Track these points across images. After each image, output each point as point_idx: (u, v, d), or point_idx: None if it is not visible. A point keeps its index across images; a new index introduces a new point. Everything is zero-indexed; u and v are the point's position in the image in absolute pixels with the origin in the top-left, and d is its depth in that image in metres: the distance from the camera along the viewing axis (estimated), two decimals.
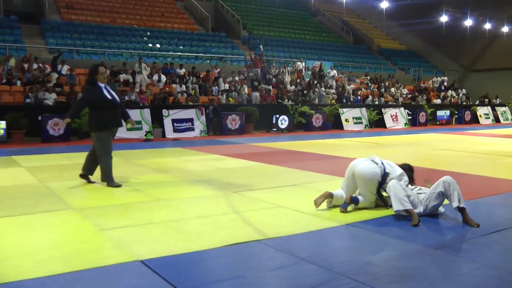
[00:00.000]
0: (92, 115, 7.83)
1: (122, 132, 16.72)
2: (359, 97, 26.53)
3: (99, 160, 7.91)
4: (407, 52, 42.31)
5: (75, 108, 8.09)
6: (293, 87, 24.96)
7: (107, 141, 7.82)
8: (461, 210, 5.49)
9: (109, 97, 7.82)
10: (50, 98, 17.94)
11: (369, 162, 6.17)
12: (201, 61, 27.89)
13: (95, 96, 7.74)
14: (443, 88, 33.43)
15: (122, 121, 8.32)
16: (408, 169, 6.29)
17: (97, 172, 8.05)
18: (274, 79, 25.30)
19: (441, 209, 5.88)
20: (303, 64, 28.03)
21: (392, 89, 29.51)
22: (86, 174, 8.16)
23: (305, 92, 24.40)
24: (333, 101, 25.09)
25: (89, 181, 8.13)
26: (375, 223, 5.61)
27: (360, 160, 6.32)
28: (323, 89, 24.95)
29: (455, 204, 5.47)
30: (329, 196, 6.28)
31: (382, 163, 6.10)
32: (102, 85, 7.85)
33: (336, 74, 28.58)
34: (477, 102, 32.07)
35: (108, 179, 7.88)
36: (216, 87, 22.74)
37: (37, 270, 3.99)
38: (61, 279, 3.83)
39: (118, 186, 7.80)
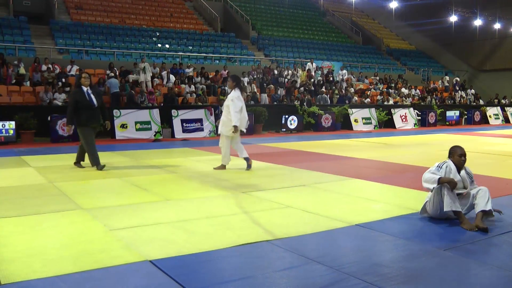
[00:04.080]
0: (76, 114, 9.47)
1: (131, 133, 16.81)
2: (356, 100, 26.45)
3: (86, 150, 9.62)
4: (416, 52, 42.17)
5: (68, 113, 9.55)
6: (302, 88, 24.98)
7: (87, 134, 9.46)
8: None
9: (88, 99, 9.46)
10: (60, 99, 18.02)
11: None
12: (210, 61, 27.91)
13: (79, 98, 9.42)
14: (457, 88, 33.28)
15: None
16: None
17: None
18: (286, 80, 25.36)
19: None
20: (313, 65, 28.04)
21: (403, 90, 29.42)
22: (78, 161, 9.93)
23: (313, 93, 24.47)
24: None
25: (81, 166, 9.82)
26: (383, 223, 5.59)
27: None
28: (325, 96, 24.84)
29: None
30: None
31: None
32: (85, 89, 9.50)
33: (346, 75, 28.61)
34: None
35: (95, 164, 9.54)
36: (226, 87, 22.74)
37: (46, 270, 4.00)
38: (70, 279, 3.84)
39: (103, 167, 9.49)
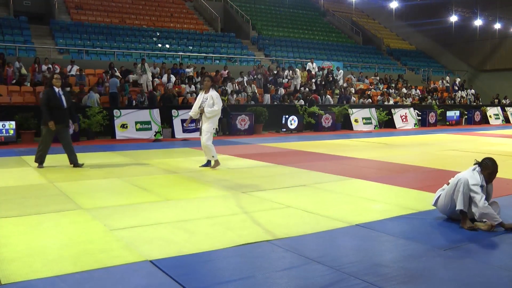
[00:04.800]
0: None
1: (131, 133, 16.81)
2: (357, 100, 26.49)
3: (39, 145, 9.92)
4: (416, 52, 42.17)
5: (43, 111, 9.71)
6: (303, 88, 24.98)
7: (48, 134, 9.77)
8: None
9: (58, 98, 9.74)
10: None
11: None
12: (210, 61, 27.91)
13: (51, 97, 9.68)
14: (456, 88, 33.26)
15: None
16: None
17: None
18: (285, 80, 25.35)
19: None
20: (313, 65, 28.04)
21: (404, 90, 29.42)
22: (75, 163, 9.99)
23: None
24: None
25: (79, 166, 9.95)
26: (383, 223, 5.59)
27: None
28: (328, 97, 24.85)
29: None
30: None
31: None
32: (57, 89, 9.78)
33: (342, 74, 28.64)
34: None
35: (37, 161, 9.86)
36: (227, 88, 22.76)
37: (47, 270, 4.00)
38: (71, 279, 3.84)
39: (41, 167, 9.76)
